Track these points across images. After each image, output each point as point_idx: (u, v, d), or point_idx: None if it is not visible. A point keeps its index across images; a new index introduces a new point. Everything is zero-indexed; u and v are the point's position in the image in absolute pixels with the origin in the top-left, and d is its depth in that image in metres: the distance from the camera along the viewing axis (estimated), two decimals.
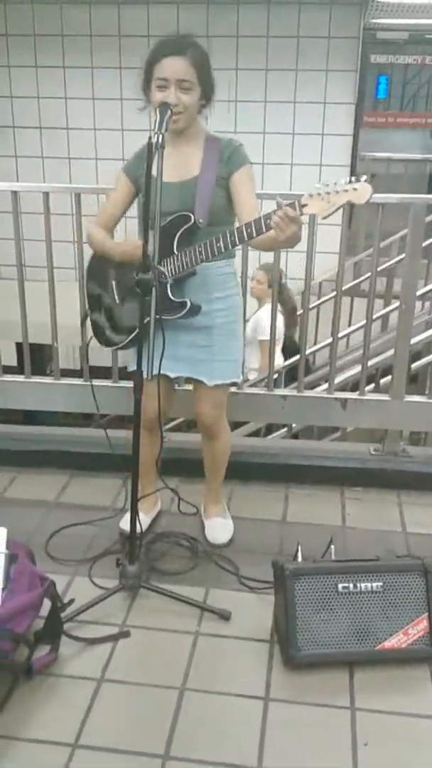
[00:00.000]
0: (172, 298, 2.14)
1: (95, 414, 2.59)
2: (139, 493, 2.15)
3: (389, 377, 3.02)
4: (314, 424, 3.85)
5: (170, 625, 2.12)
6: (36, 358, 3.11)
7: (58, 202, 2.81)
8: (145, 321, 2.02)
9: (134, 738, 1.76)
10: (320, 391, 3.18)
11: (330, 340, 3.01)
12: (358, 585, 1.98)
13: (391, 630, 1.97)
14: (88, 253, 2.46)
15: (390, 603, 1.98)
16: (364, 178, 1.81)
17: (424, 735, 1.81)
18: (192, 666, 1.98)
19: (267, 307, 3.93)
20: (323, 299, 4.87)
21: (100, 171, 6.14)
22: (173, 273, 2.12)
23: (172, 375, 2.30)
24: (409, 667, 1.98)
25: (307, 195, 1.85)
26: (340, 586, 1.97)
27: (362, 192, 1.81)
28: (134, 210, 2.29)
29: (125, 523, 2.32)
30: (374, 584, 1.98)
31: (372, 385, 4.04)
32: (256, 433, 4.50)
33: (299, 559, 2.04)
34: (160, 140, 1.91)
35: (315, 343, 4.82)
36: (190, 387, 2.47)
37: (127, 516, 2.22)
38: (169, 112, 2.00)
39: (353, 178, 1.82)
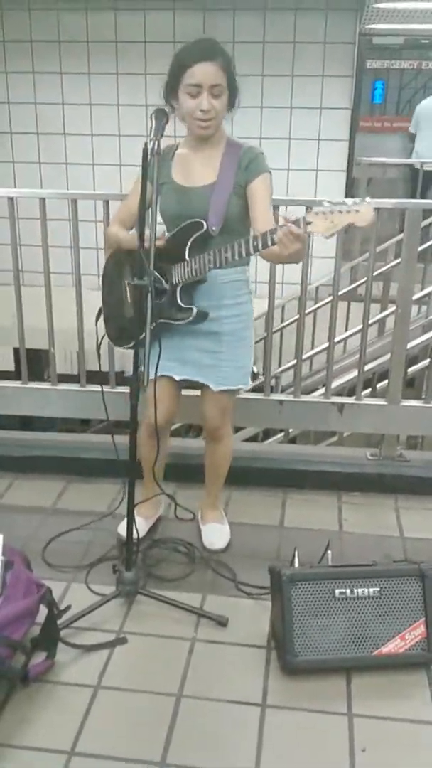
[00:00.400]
0: (180, 303, 2.15)
1: (93, 420, 2.59)
2: (141, 498, 2.15)
3: (386, 381, 3.02)
4: (311, 428, 3.85)
5: (167, 631, 2.11)
6: (33, 363, 3.10)
7: (55, 207, 2.82)
8: (152, 326, 2.02)
9: (131, 745, 1.75)
10: (317, 395, 3.19)
11: (326, 344, 3.01)
12: (355, 590, 1.97)
13: (388, 635, 1.96)
14: (84, 258, 2.47)
15: (387, 608, 1.97)
16: (368, 200, 1.80)
17: (421, 740, 1.80)
18: (189, 672, 1.97)
19: None
20: (320, 304, 4.87)
21: (97, 176, 6.15)
22: (183, 279, 2.12)
23: (178, 378, 2.31)
24: (407, 673, 1.97)
25: (312, 213, 1.83)
26: (337, 591, 1.97)
27: (364, 214, 1.79)
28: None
29: (123, 529, 2.32)
30: (371, 589, 1.98)
31: (369, 390, 4.05)
32: (253, 438, 4.51)
33: (296, 564, 2.04)
34: (155, 146, 1.91)
35: (312, 348, 4.83)
36: (192, 392, 2.46)
37: (125, 522, 2.22)
38: (165, 118, 2.01)
39: (358, 200, 1.80)
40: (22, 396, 3.01)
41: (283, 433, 4.28)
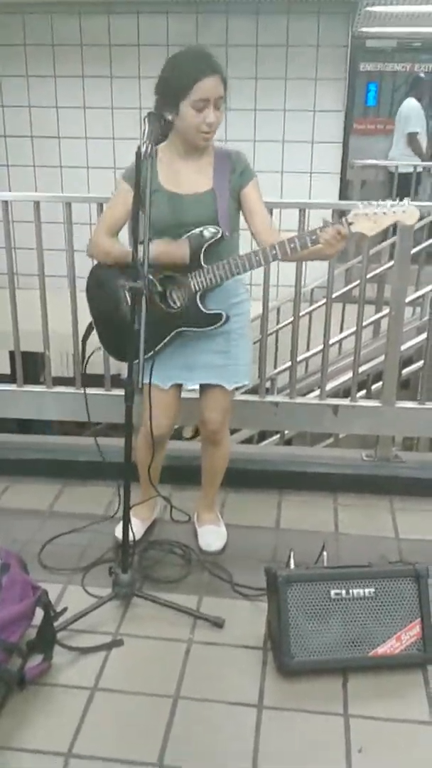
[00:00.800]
0: (205, 311, 2.18)
1: (88, 422, 2.59)
2: (137, 500, 2.16)
3: (380, 383, 3.03)
4: (306, 430, 3.86)
5: (163, 633, 2.11)
6: (29, 366, 3.11)
7: (50, 210, 2.82)
8: (173, 333, 2.17)
9: (128, 746, 1.75)
10: (312, 397, 3.19)
11: (321, 346, 3.02)
12: (351, 591, 1.98)
13: (384, 636, 1.97)
14: (79, 261, 2.46)
15: (382, 609, 1.98)
16: (407, 200, 1.99)
17: (418, 741, 1.81)
18: (185, 674, 1.98)
19: None
20: (314, 306, 4.88)
21: (92, 179, 6.15)
22: (204, 286, 2.14)
23: (190, 385, 2.34)
24: (403, 673, 1.98)
25: (352, 214, 1.99)
26: (332, 592, 1.97)
27: (411, 214, 1.99)
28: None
29: (120, 531, 2.32)
30: (366, 590, 1.98)
31: (363, 391, 4.06)
32: (249, 440, 4.51)
33: (292, 565, 2.04)
34: (148, 150, 1.91)
35: (307, 350, 4.84)
36: (188, 395, 2.47)
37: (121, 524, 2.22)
38: (163, 122, 2.01)
39: (398, 201, 1.99)
40: (17, 399, 3.01)
41: (278, 435, 4.29)
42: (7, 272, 2.89)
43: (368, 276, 3.23)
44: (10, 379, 3.09)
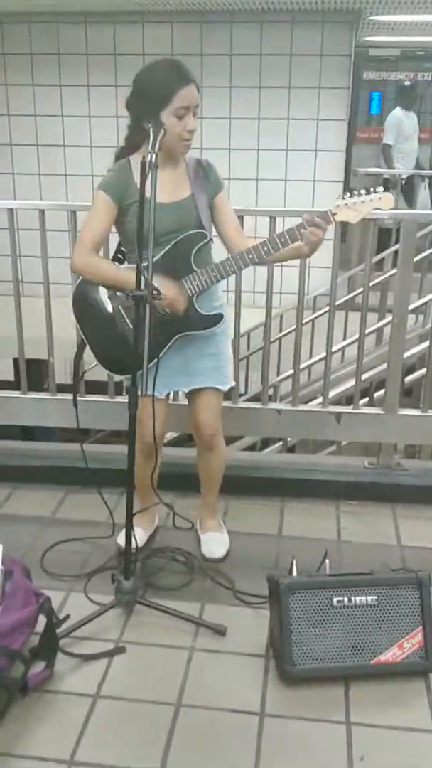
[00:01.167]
0: (204, 313, 2.23)
1: (91, 429, 2.60)
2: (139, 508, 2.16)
3: (383, 391, 3.04)
4: (309, 438, 3.87)
5: (166, 640, 2.12)
6: (33, 373, 3.12)
7: (55, 218, 2.84)
8: (174, 339, 2.20)
9: (130, 754, 1.76)
10: (315, 405, 3.20)
11: (324, 354, 3.02)
12: (353, 599, 1.98)
13: (386, 644, 1.97)
14: None
15: (385, 617, 1.98)
16: (381, 189, 2.09)
17: (420, 749, 1.80)
18: (187, 681, 1.98)
19: None
20: (317, 314, 4.89)
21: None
22: (199, 289, 2.19)
23: (186, 390, 2.37)
24: (405, 681, 1.98)
25: (335, 206, 2.10)
26: (334, 600, 1.97)
27: (387, 199, 2.10)
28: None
29: (123, 539, 2.32)
30: (369, 598, 1.99)
31: (366, 399, 4.06)
32: (251, 448, 4.52)
33: (294, 573, 2.04)
34: (153, 159, 1.92)
35: (310, 357, 4.85)
36: (179, 402, 2.48)
37: (124, 532, 2.23)
38: (163, 131, 2.02)
39: (372, 189, 2.09)
40: (21, 406, 3.03)
41: (281, 443, 4.30)
42: (13, 280, 2.90)
43: (371, 284, 3.24)
44: (15, 386, 3.10)
